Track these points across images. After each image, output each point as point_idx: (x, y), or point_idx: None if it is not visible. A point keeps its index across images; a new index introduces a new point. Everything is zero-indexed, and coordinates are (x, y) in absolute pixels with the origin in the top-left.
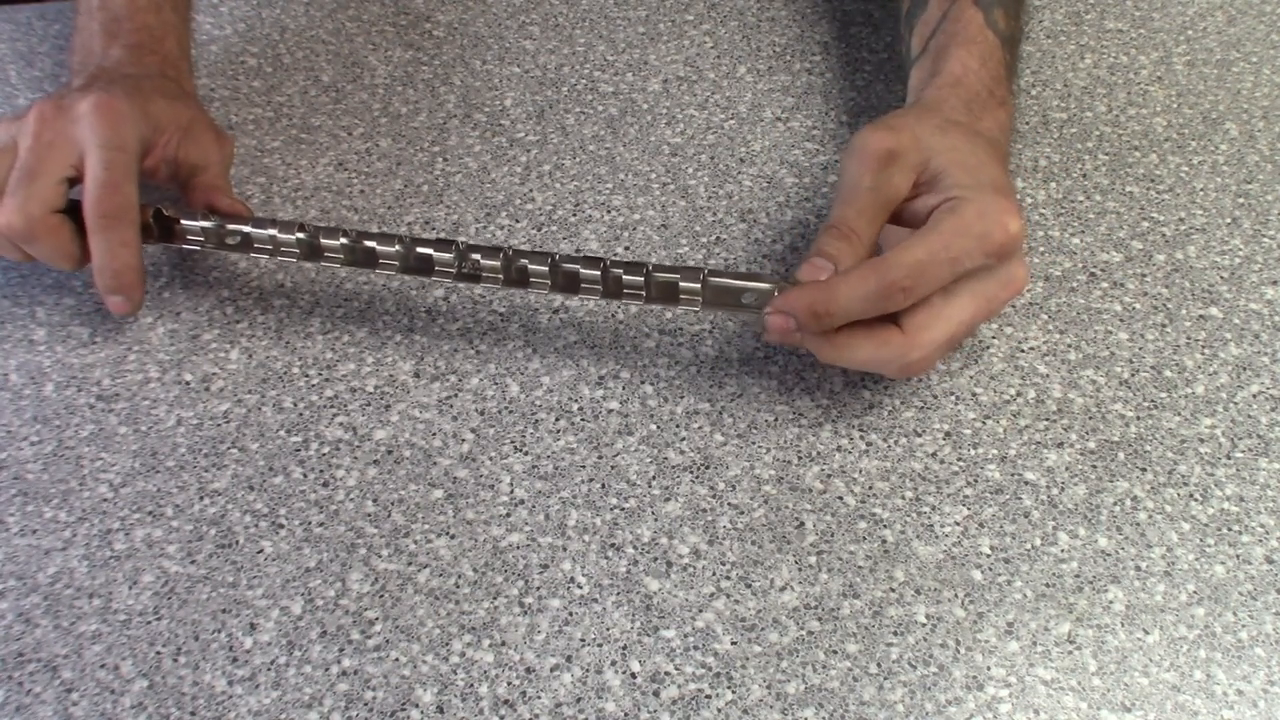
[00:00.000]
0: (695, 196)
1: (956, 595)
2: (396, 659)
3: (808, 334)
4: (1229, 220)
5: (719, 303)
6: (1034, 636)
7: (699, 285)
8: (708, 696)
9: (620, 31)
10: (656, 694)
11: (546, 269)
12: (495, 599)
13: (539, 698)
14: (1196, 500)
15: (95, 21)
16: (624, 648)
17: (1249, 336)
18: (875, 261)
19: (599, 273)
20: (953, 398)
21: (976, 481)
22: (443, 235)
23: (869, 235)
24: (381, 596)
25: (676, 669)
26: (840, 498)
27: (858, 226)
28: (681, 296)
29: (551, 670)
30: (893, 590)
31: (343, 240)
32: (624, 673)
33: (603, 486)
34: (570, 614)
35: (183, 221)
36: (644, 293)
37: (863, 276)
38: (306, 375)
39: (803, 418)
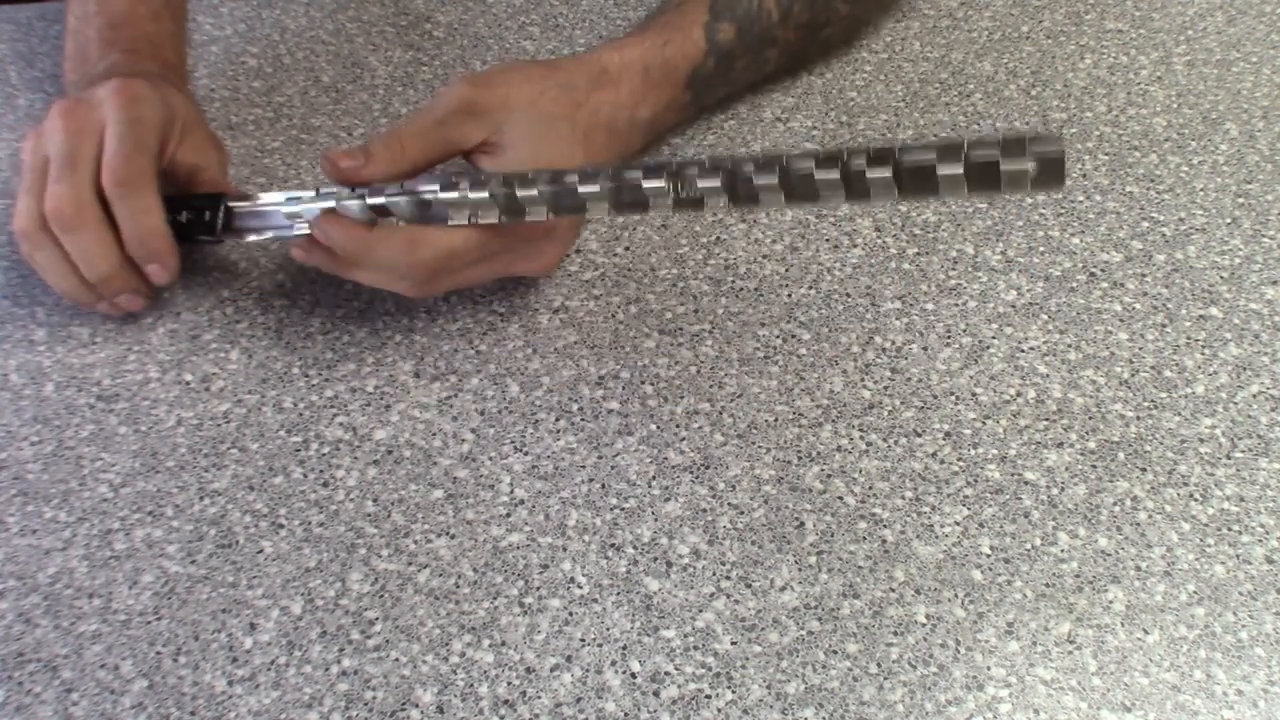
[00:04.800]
0: None
1: (956, 595)
2: (396, 659)
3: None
4: (1229, 220)
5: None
6: (1034, 636)
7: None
8: (708, 696)
9: (620, 32)
10: (656, 694)
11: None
12: (495, 599)
13: (539, 698)
14: (1196, 500)
15: (91, 28)
16: (624, 648)
17: (1249, 336)
18: (415, 238)
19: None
20: (953, 398)
21: (976, 481)
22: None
23: (417, 159)
24: (381, 596)
25: (676, 669)
26: (840, 498)
27: (409, 147)
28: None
29: (551, 670)
30: (893, 590)
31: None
32: (624, 673)
33: (603, 486)
34: (570, 614)
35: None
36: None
37: (398, 250)
38: (306, 375)
39: (803, 418)
